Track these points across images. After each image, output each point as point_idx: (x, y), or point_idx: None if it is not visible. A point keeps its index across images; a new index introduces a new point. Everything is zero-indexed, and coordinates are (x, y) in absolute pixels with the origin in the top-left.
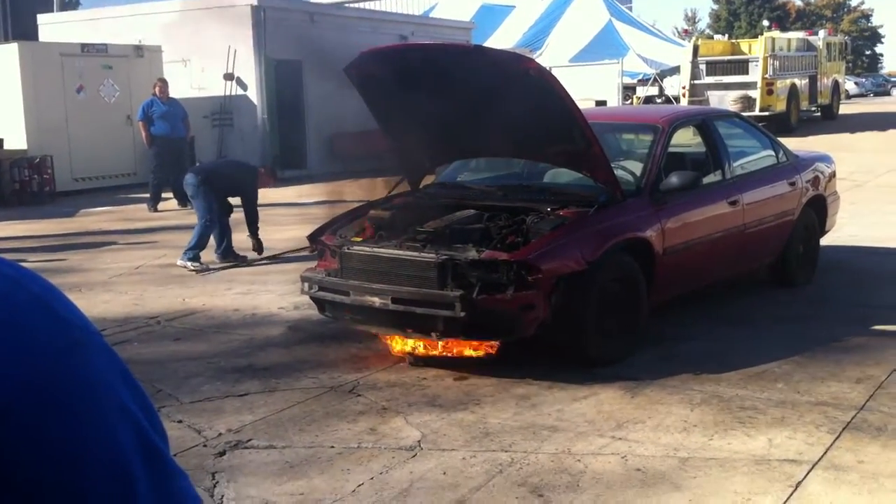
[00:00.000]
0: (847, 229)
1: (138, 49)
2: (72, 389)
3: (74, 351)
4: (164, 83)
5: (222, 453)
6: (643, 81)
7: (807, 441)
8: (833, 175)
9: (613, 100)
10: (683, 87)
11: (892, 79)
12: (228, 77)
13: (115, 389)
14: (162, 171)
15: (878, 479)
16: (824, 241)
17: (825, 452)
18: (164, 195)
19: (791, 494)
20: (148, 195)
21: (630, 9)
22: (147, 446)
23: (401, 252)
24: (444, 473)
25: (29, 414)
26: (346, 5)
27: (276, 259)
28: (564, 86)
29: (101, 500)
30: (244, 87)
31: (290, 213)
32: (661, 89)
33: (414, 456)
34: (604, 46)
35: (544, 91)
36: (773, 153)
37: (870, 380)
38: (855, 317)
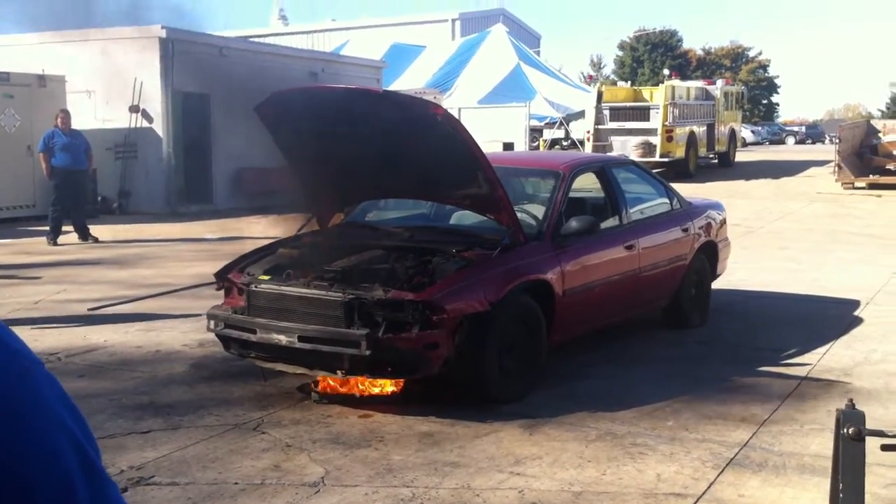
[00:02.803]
0: (738, 274)
1: (41, 78)
2: (23, 411)
3: (25, 378)
4: (66, 114)
5: (124, 490)
6: (550, 124)
7: (693, 476)
8: (724, 222)
9: (521, 142)
10: (588, 132)
11: (788, 128)
12: (134, 109)
13: (57, 411)
14: (62, 204)
15: None
16: (716, 284)
17: (709, 487)
18: (64, 228)
19: None
20: (48, 228)
21: (538, 53)
22: (85, 461)
23: (308, 290)
24: None
25: None
26: (257, 40)
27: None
28: (471, 131)
29: None
30: (150, 119)
31: (195, 248)
32: (567, 133)
33: (317, 492)
34: (512, 89)
35: (451, 137)
36: (667, 200)
37: (753, 418)
38: (742, 358)
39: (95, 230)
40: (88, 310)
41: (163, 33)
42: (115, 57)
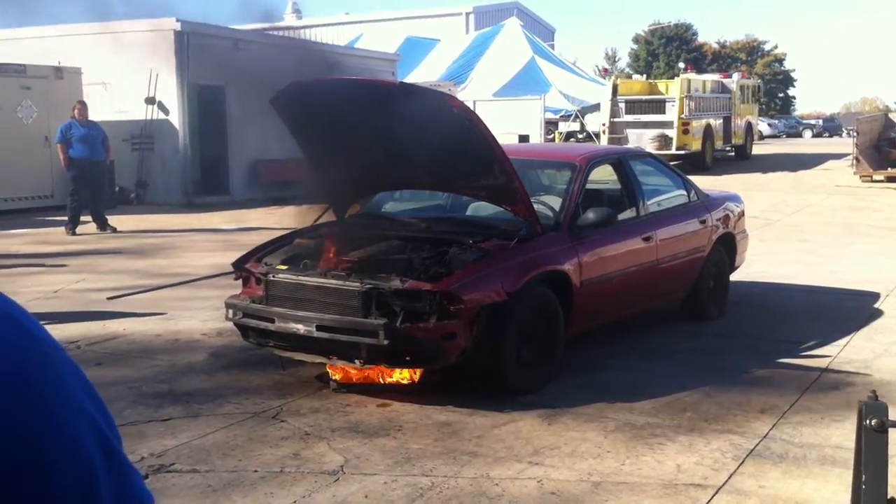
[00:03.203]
0: (757, 265)
1: (58, 70)
2: (44, 397)
3: (47, 364)
4: (83, 105)
5: (145, 477)
6: (565, 117)
7: (713, 467)
8: (742, 214)
9: (536, 134)
10: (603, 125)
11: (805, 121)
12: (150, 101)
13: (78, 398)
14: (80, 194)
15: (777, 502)
16: (734, 276)
17: (729, 478)
18: (82, 218)
19: None
20: (66, 218)
21: (552, 47)
22: (106, 447)
23: (326, 280)
24: (366, 497)
25: (7, 410)
26: (272, 33)
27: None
28: (487, 123)
29: (69, 493)
30: (166, 111)
31: (212, 239)
32: (583, 125)
33: (336, 480)
34: (526, 82)
35: (468, 128)
36: (684, 192)
37: (774, 410)
38: (762, 349)
39: (113, 220)
40: (108, 298)
41: (178, 26)
42: (131, 49)
